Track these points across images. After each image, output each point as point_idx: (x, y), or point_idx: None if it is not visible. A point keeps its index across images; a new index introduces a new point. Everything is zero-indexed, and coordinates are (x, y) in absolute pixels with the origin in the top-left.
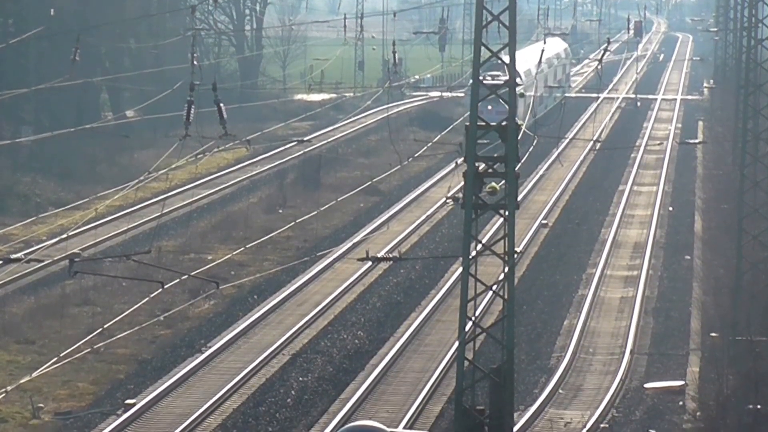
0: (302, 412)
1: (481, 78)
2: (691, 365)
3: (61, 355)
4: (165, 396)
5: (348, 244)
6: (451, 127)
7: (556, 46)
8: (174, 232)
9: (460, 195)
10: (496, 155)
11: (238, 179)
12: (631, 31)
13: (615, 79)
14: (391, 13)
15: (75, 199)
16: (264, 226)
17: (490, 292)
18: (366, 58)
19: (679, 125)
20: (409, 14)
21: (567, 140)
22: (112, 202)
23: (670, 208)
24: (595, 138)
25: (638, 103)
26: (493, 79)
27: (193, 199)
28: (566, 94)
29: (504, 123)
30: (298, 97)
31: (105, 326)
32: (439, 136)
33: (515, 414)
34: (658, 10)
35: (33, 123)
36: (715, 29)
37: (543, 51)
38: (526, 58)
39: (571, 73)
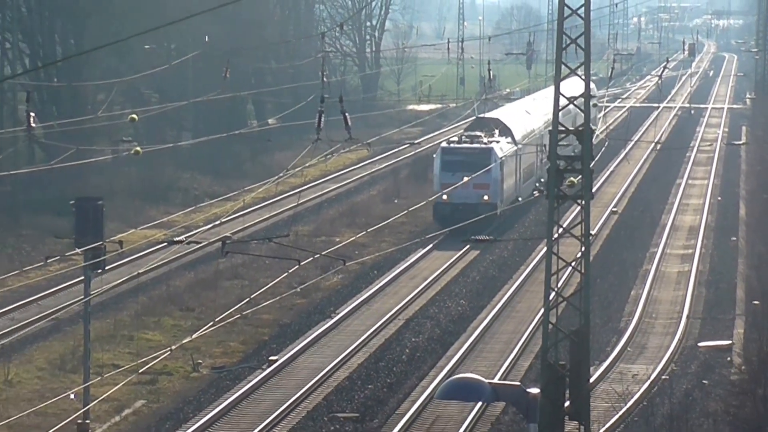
0: (415, 367)
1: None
2: (737, 327)
3: (216, 320)
4: (301, 353)
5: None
6: (535, 130)
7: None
8: (308, 218)
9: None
10: (574, 155)
11: (361, 175)
12: (686, 52)
13: (673, 92)
14: (486, 37)
15: (226, 192)
16: (382, 213)
17: (570, 268)
18: (466, 75)
19: (726, 129)
20: (501, 38)
21: (633, 142)
22: (257, 195)
23: (719, 198)
24: (656, 140)
25: (692, 111)
26: (472, 142)
27: (324, 191)
28: (633, 104)
29: (581, 127)
30: (410, 107)
31: (252, 296)
32: (526, 139)
33: (591, 368)
34: (708, 34)
35: (192, 129)
36: (756, 50)
37: (613, 69)
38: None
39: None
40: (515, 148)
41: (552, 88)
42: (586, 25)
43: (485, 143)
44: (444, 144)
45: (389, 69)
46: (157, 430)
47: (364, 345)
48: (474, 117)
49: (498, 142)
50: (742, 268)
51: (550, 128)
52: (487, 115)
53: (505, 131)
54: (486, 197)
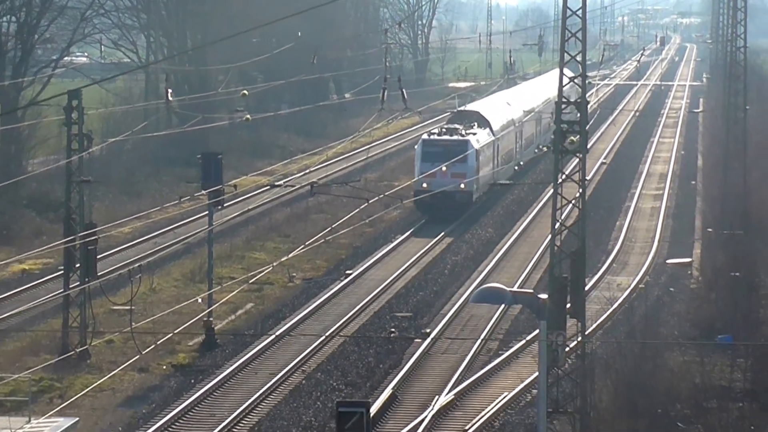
0: (454, 278)
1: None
2: (695, 249)
3: (306, 243)
4: (370, 268)
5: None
6: (546, 99)
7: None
8: (374, 168)
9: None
10: (574, 120)
11: (414, 136)
12: (658, 43)
13: (648, 72)
14: (508, 32)
15: (313, 148)
16: None
17: (570, 205)
18: (492, 61)
19: (688, 101)
20: (519, 33)
21: (618, 110)
22: (336, 150)
23: (682, 152)
24: (635, 108)
25: (662, 87)
26: (451, 135)
27: (387, 148)
28: (618, 82)
29: (579, 99)
30: (451, 84)
31: (333, 226)
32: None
33: (586, 279)
34: (675, 29)
35: (288, 102)
36: (710, 41)
37: (603, 56)
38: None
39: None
40: (492, 138)
41: (533, 81)
42: (582, 22)
43: (462, 135)
44: (425, 136)
45: (435, 56)
46: (262, 326)
47: (416, 262)
48: (455, 110)
49: (475, 134)
50: (700, 205)
51: (529, 118)
52: (468, 108)
53: (484, 123)
54: (462, 185)
